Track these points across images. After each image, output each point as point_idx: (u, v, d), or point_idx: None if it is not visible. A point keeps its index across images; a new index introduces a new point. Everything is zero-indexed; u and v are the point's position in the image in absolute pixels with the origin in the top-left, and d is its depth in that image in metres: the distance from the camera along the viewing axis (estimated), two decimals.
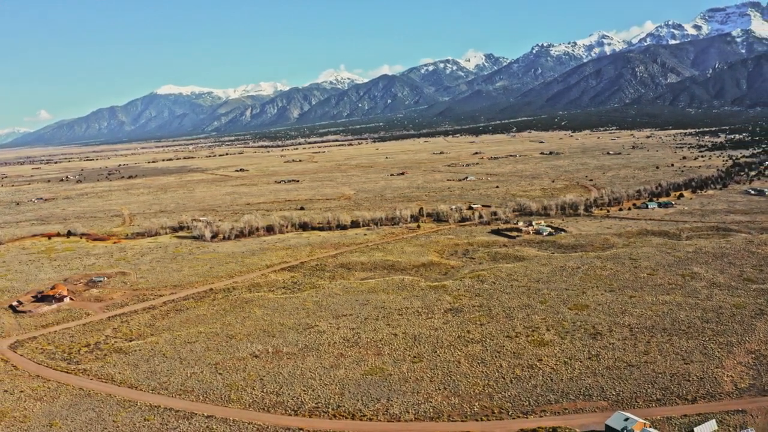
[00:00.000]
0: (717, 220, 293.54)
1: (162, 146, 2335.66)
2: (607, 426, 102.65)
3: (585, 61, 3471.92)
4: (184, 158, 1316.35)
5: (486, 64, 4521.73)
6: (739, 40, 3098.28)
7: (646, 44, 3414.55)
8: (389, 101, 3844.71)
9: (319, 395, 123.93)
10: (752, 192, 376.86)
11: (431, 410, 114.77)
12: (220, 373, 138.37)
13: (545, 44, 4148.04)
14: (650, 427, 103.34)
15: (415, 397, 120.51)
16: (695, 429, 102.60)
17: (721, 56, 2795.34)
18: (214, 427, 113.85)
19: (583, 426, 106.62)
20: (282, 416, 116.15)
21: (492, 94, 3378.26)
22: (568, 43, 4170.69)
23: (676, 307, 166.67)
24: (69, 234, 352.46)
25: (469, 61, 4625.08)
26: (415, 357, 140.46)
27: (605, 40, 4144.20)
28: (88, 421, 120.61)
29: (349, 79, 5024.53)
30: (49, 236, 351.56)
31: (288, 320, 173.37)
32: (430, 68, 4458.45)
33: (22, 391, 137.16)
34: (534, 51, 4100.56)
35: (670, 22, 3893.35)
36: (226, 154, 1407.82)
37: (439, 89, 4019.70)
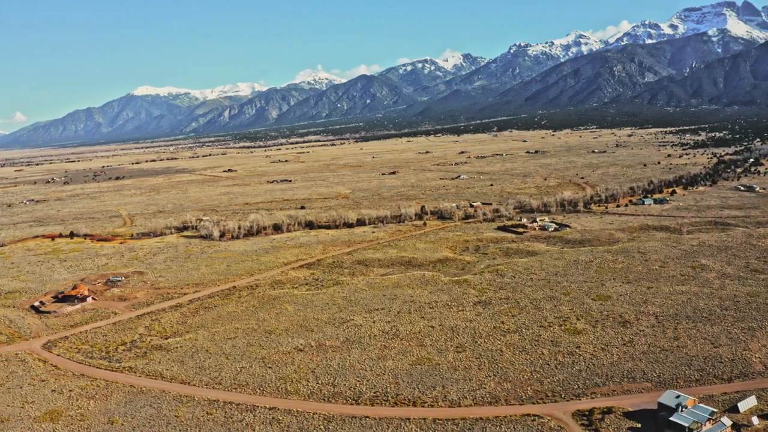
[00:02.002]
0: (713, 215, 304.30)
1: (141, 147, 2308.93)
2: (659, 404, 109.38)
3: (562, 60, 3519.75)
4: (168, 159, 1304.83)
5: (464, 63, 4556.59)
6: (715, 39, 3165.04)
7: (623, 44, 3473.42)
8: (368, 101, 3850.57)
9: (374, 385, 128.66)
10: (742, 188, 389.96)
11: (487, 396, 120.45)
12: (269, 367, 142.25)
13: (523, 44, 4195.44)
14: (698, 403, 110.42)
15: (469, 384, 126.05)
16: (738, 404, 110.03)
17: (697, 55, 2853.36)
18: (280, 417, 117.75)
19: (634, 405, 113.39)
20: (344, 405, 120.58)
21: (471, 94, 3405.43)
22: (546, 43, 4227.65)
23: (693, 297, 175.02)
24: (72, 235, 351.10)
25: (447, 61, 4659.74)
26: (457, 347, 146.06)
27: (582, 40, 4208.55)
28: (149, 417, 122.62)
29: (327, 79, 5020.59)
30: (52, 237, 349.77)
31: (322, 315, 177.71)
32: (409, 68, 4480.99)
33: (71, 391, 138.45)
34: (512, 51, 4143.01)
35: (646, 22, 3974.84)
36: (210, 155, 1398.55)
37: (418, 89, 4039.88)
